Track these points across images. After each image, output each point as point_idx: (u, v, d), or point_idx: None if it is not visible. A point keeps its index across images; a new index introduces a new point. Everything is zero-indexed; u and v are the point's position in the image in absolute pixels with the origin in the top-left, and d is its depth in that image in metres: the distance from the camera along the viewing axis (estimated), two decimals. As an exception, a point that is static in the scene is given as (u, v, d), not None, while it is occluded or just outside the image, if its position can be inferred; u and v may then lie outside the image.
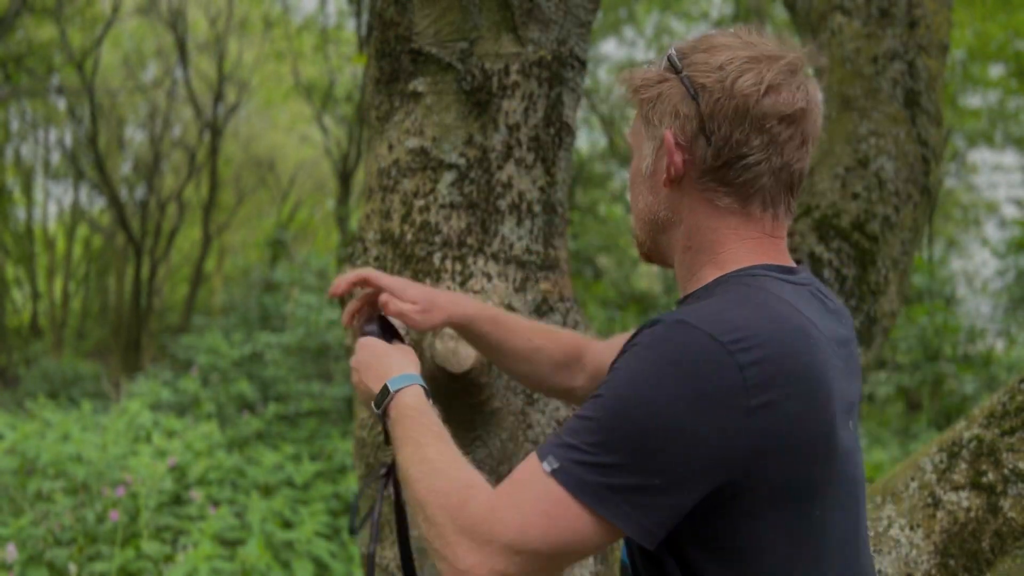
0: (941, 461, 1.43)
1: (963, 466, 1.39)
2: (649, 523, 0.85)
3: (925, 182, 2.13)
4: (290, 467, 5.10)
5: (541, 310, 1.65)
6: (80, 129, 15.44)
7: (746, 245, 0.99)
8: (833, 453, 0.88)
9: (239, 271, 15.31)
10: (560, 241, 1.69)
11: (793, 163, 0.97)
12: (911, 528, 1.40)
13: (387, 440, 1.12)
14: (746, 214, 0.99)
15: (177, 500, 4.59)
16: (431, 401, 1.12)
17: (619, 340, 1.25)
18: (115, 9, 13.59)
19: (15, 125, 17.08)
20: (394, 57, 1.62)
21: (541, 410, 1.62)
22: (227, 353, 7.63)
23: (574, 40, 1.65)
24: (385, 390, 1.12)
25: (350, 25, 14.48)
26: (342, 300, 1.63)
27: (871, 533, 1.44)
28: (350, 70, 13.95)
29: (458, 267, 1.59)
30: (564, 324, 1.66)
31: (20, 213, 18.57)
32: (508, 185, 1.61)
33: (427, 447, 1.03)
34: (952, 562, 1.35)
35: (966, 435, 1.43)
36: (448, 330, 1.48)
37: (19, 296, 19.33)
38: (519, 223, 1.62)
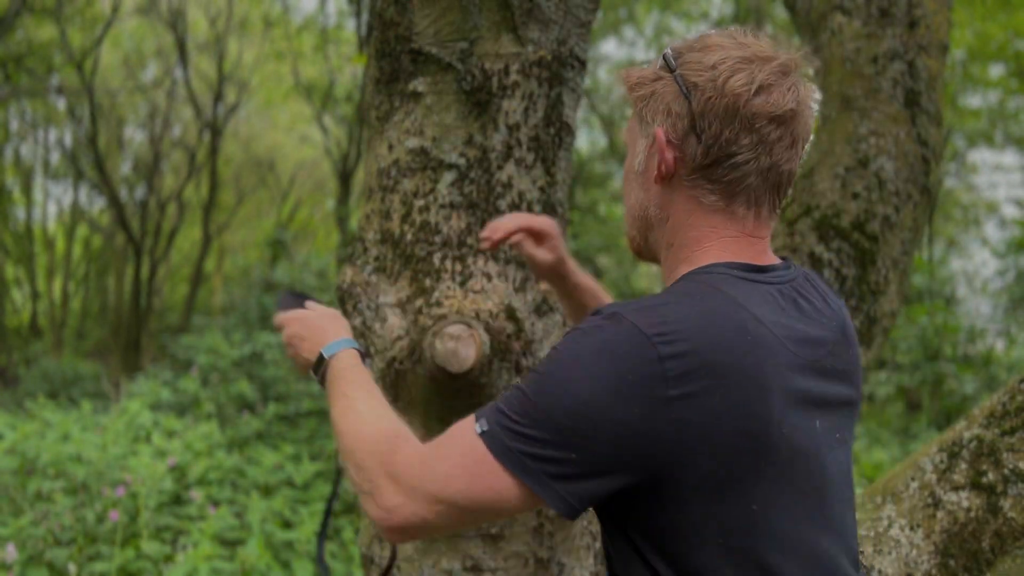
0: (941, 461, 1.43)
1: (963, 466, 1.39)
2: (567, 495, 0.90)
3: (925, 182, 2.13)
4: (290, 467, 5.10)
5: (541, 310, 1.65)
6: (80, 129, 15.44)
7: (722, 243, 1.01)
8: (769, 450, 0.89)
9: (239, 271, 15.31)
10: (560, 241, 1.69)
11: (782, 163, 0.98)
12: (911, 528, 1.40)
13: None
14: (729, 212, 1.00)
15: (177, 500, 4.59)
16: (367, 361, 1.21)
17: None
18: (115, 9, 13.58)
19: (15, 125, 17.08)
20: (394, 57, 1.62)
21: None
22: (227, 353, 7.63)
23: (574, 40, 1.65)
24: (321, 358, 1.20)
25: (350, 25, 14.48)
26: (342, 300, 1.63)
27: (871, 533, 1.44)
28: (350, 70, 13.95)
29: (458, 267, 1.59)
30: (564, 324, 1.66)
31: (20, 213, 18.57)
32: (508, 185, 1.61)
33: (357, 401, 1.10)
34: (952, 562, 1.35)
35: (966, 435, 1.43)
36: (448, 330, 1.48)
37: (19, 296, 19.32)
38: (519, 223, 1.62)
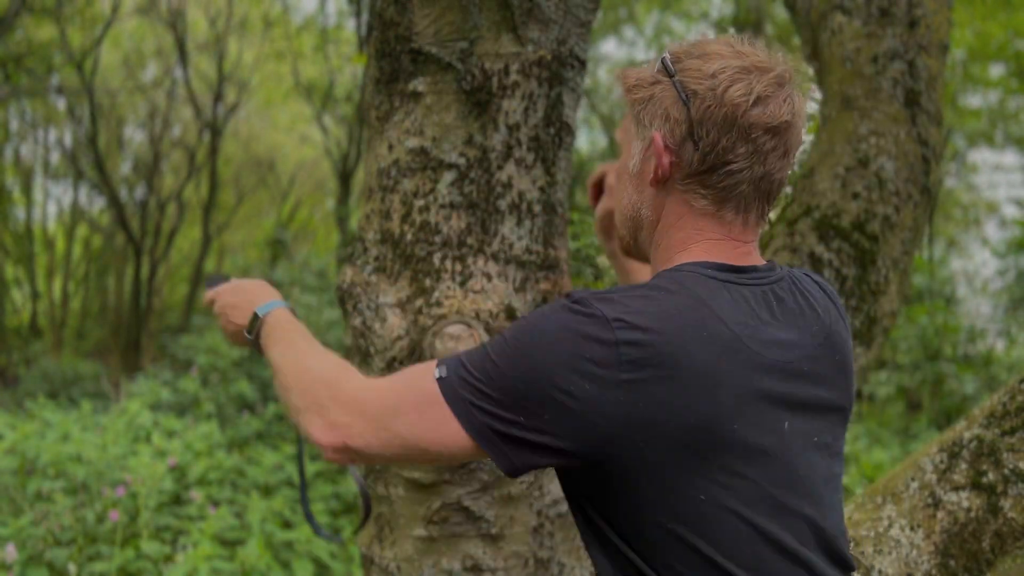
0: (941, 461, 1.43)
1: (963, 466, 1.39)
2: (510, 453, 0.95)
3: (925, 182, 2.13)
4: (290, 467, 5.10)
5: (541, 310, 1.65)
6: (80, 129, 15.44)
7: (705, 245, 1.02)
8: (717, 446, 0.90)
9: (239, 271, 15.30)
10: (560, 241, 1.69)
11: (774, 173, 1.00)
12: (911, 528, 1.40)
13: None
14: (718, 216, 1.02)
15: (177, 500, 4.59)
16: (300, 322, 1.25)
17: None
18: (115, 9, 13.59)
19: (15, 125, 17.07)
20: (394, 57, 1.62)
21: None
22: (227, 353, 7.63)
23: (574, 40, 1.65)
24: (255, 316, 1.23)
25: (350, 25, 14.49)
26: (342, 300, 1.63)
27: (871, 533, 1.44)
28: (350, 70, 13.96)
29: (458, 267, 1.59)
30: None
31: (20, 213, 18.57)
32: (508, 185, 1.61)
33: (297, 343, 1.15)
34: (952, 562, 1.35)
35: (966, 435, 1.43)
36: (448, 330, 1.48)
37: (19, 296, 19.31)
38: (519, 223, 1.62)
